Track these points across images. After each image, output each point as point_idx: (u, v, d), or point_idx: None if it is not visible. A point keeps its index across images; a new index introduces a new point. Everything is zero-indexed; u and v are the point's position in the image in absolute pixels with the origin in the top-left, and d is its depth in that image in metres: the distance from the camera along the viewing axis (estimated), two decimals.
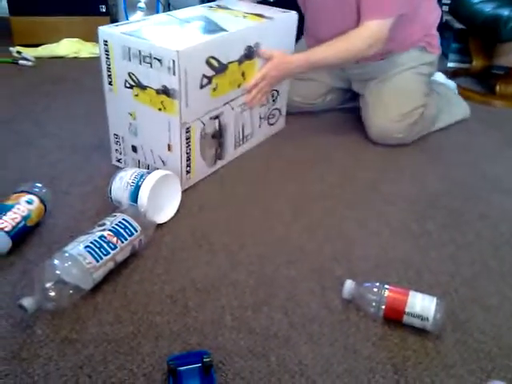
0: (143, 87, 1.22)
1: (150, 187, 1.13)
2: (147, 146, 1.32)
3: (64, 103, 1.82)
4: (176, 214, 1.23)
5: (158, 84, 1.19)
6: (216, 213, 1.25)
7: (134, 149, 1.35)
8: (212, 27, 1.31)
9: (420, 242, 1.20)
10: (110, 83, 1.30)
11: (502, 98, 2.03)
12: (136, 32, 1.22)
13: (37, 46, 2.32)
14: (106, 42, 1.23)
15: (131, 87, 1.25)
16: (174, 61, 1.13)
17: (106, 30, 1.23)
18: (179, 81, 1.15)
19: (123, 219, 1.03)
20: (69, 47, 2.33)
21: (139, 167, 1.34)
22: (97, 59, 2.34)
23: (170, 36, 1.23)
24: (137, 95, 1.25)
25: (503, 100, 2.02)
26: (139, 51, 1.18)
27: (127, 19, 2.39)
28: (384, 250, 1.16)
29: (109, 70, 1.27)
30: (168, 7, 2.42)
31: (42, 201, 1.14)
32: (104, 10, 2.45)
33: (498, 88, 2.06)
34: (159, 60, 1.15)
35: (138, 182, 1.14)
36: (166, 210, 1.21)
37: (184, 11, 1.46)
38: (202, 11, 1.46)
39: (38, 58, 2.23)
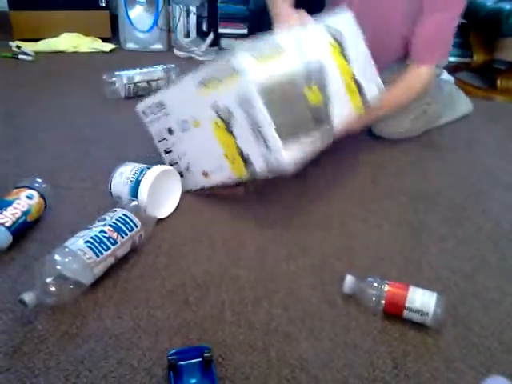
0: (230, 132, 1.12)
1: (150, 182, 1.12)
2: (184, 149, 1.24)
3: (64, 98, 1.82)
4: (176, 210, 1.23)
5: (247, 151, 1.11)
6: (217, 208, 1.25)
7: (170, 131, 1.24)
8: (323, 110, 1.15)
9: (420, 237, 1.19)
10: (202, 84, 1.10)
11: (503, 92, 2.03)
12: (266, 92, 1.03)
13: (36, 40, 2.32)
14: (235, 69, 1.03)
15: (218, 117, 1.12)
16: (279, 162, 1.07)
17: (241, 58, 1.01)
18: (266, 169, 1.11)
19: (123, 214, 1.03)
20: (68, 42, 2.33)
21: (159, 141, 1.28)
22: (96, 54, 2.35)
23: (287, 122, 1.07)
24: (218, 126, 1.13)
25: (504, 95, 2.02)
26: (257, 120, 1.04)
27: (127, 14, 2.37)
28: (384, 245, 1.16)
29: (213, 79, 1.08)
30: (168, 2, 2.41)
31: (42, 196, 1.13)
32: (103, 4, 2.44)
33: (499, 82, 2.06)
34: (268, 147, 1.06)
35: (138, 177, 1.14)
36: (166, 206, 1.21)
37: (310, 35, 1.19)
38: (324, 49, 1.21)
39: (37, 53, 2.22)
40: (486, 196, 1.39)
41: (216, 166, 1.19)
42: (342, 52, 1.26)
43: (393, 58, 1.51)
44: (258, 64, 1.03)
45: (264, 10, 2.42)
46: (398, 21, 1.46)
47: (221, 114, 1.10)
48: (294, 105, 1.10)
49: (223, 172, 1.19)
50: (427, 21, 1.42)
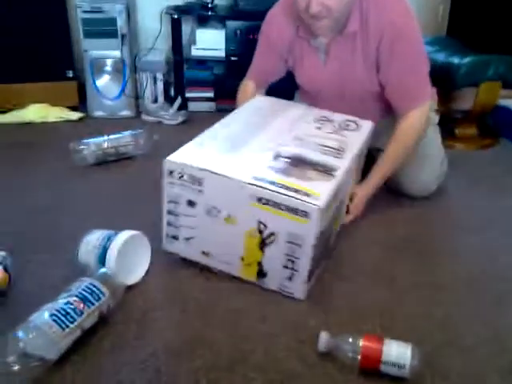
0: (261, 247, 1.11)
1: (117, 249, 1.11)
2: (196, 226, 1.17)
3: (31, 168, 1.81)
4: (147, 274, 1.20)
5: (268, 269, 1.13)
6: (189, 269, 1.23)
7: (191, 204, 1.14)
8: (332, 233, 1.27)
9: (393, 286, 1.20)
10: (260, 201, 1.06)
11: (462, 140, 2.11)
12: (317, 239, 1.07)
13: (3, 112, 2.32)
14: (307, 215, 1.03)
15: (257, 231, 1.09)
16: (294, 294, 1.14)
17: (318, 211, 1.02)
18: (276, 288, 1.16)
19: (90, 283, 1.01)
20: (36, 112, 2.34)
21: (169, 201, 1.16)
22: (64, 123, 2.36)
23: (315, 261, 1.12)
24: (251, 237, 1.11)
25: (463, 142, 2.10)
26: (298, 259, 1.09)
27: (94, 83, 2.42)
28: (358, 298, 1.15)
29: (275, 205, 1.05)
30: (135, 70, 2.47)
31: (6, 269, 1.10)
32: (71, 76, 2.48)
33: (457, 131, 2.14)
34: (292, 280, 1.12)
35: (105, 244, 1.12)
36: (135, 271, 1.18)
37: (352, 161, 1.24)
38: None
39: (4, 125, 2.22)
40: (453, 241, 1.41)
41: (224, 258, 1.18)
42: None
43: (376, 116, 1.51)
44: (324, 214, 1.06)
45: (228, 75, 2.51)
46: (363, 81, 1.46)
47: (263, 231, 1.09)
48: (326, 240, 1.19)
49: (229, 265, 1.18)
50: (393, 72, 1.41)
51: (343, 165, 1.18)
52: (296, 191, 1.04)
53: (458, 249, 1.37)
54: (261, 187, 1.05)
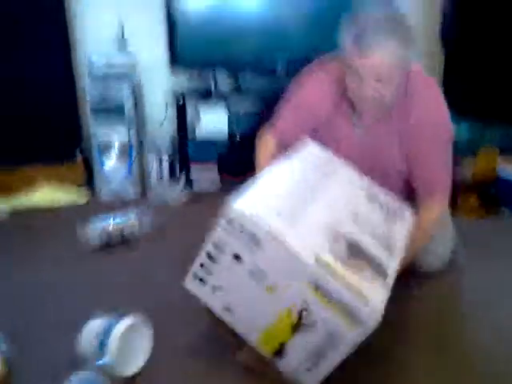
0: (293, 330, 1.05)
1: (117, 340, 1.09)
2: (234, 283, 1.08)
3: (36, 253, 1.82)
4: (147, 362, 1.17)
5: (287, 350, 1.07)
6: (189, 358, 1.20)
7: (237, 258, 1.05)
8: None
9: (408, 371, 1.16)
10: (315, 287, 1.00)
11: (464, 209, 2.11)
12: None
13: (9, 196, 2.34)
14: (361, 322, 0.99)
15: (297, 312, 1.03)
16: None
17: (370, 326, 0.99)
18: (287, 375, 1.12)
19: (90, 375, 0.99)
20: (43, 196, 2.37)
21: (214, 244, 1.07)
22: (71, 205, 2.39)
23: None
24: (288, 316, 1.04)
25: (465, 211, 2.10)
26: (325, 355, 1.04)
27: (102, 165, 2.49)
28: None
29: (330, 297, 1.00)
30: (141, 151, 2.55)
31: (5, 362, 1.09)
32: (79, 156, 2.55)
33: (459, 200, 2.15)
34: (310, 372, 1.07)
35: (105, 332, 1.11)
36: (136, 359, 1.16)
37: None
38: None
39: (12, 209, 2.24)
40: (463, 319, 1.38)
41: (248, 325, 1.11)
42: None
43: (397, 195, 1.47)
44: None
45: (231, 152, 2.59)
46: (395, 161, 1.46)
47: (304, 316, 1.03)
48: None
49: (249, 333, 1.11)
50: (422, 164, 1.43)
51: (393, 266, 1.13)
52: (357, 293, 0.98)
53: (468, 327, 1.34)
54: (324, 276, 0.99)
